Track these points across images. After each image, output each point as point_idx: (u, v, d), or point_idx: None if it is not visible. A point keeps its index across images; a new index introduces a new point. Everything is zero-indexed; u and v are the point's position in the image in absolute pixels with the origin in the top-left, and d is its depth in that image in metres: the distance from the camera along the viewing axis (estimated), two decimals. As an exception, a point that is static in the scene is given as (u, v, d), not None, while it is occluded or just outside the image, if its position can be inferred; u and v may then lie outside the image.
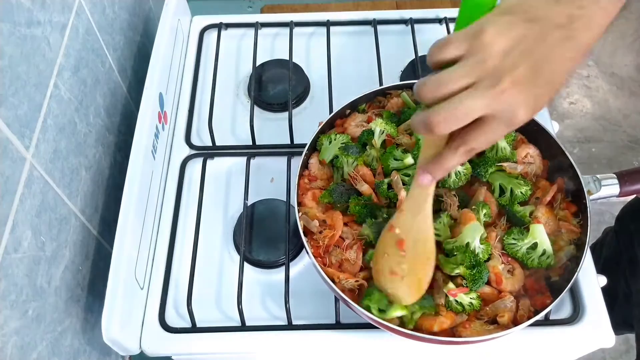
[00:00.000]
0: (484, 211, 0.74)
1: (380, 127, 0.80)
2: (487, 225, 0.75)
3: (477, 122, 0.52)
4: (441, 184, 0.77)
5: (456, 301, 0.69)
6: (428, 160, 0.58)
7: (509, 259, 0.73)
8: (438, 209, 0.76)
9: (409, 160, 0.77)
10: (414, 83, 0.86)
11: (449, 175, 0.77)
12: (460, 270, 0.70)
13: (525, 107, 0.51)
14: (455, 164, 0.57)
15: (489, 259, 0.72)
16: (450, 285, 0.69)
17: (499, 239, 0.74)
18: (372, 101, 0.88)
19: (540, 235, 0.72)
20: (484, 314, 0.71)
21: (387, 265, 0.68)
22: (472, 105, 0.50)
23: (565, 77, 0.53)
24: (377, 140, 0.80)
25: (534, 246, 0.73)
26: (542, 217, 0.75)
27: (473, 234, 0.70)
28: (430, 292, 0.72)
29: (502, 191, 0.77)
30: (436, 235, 0.72)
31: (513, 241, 0.73)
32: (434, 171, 0.58)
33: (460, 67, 0.51)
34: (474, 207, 0.74)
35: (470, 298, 0.69)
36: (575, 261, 0.72)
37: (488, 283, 0.71)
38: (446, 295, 0.70)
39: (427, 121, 0.52)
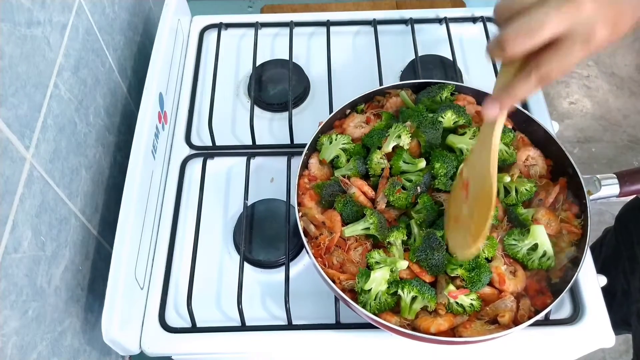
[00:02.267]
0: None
1: (405, 136, 0.79)
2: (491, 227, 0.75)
3: (550, 45, 0.49)
4: (445, 187, 0.77)
5: (457, 303, 0.69)
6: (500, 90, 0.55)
7: (511, 260, 0.73)
8: (441, 214, 0.76)
9: (422, 164, 0.77)
10: (413, 83, 0.86)
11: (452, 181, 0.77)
12: (459, 271, 0.70)
13: (605, 23, 0.48)
14: (527, 92, 0.53)
15: (491, 260, 0.72)
16: (451, 287, 0.69)
17: (500, 239, 0.74)
18: (371, 101, 0.88)
19: (540, 236, 0.72)
20: (485, 314, 0.71)
21: (453, 212, 0.66)
22: (545, 18, 0.47)
23: None
24: (388, 146, 0.80)
25: (535, 247, 0.73)
26: (543, 219, 0.75)
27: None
28: (433, 284, 0.72)
29: (507, 192, 0.77)
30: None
31: (514, 242, 0.73)
32: (503, 99, 0.54)
33: None
34: None
35: (471, 299, 0.69)
36: (575, 261, 0.72)
37: (491, 284, 0.71)
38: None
39: (500, 39, 0.49)
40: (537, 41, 0.49)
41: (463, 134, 0.81)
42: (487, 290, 0.71)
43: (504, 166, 0.80)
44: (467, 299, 0.69)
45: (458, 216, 0.66)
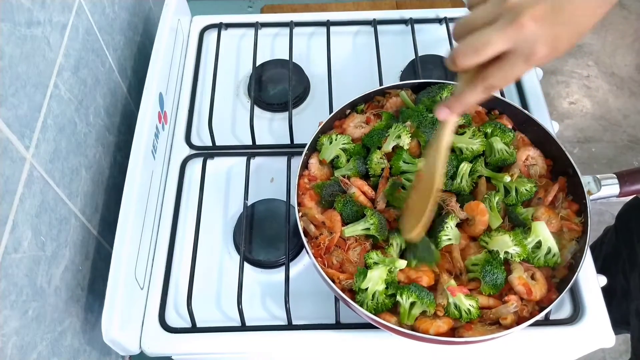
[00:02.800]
0: (496, 199, 0.75)
1: (405, 136, 0.80)
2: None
3: (496, 59, 0.55)
4: (445, 187, 0.77)
5: (455, 305, 0.69)
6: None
7: (526, 264, 0.73)
8: (440, 213, 0.76)
9: (422, 164, 0.77)
10: (412, 83, 0.87)
11: (459, 180, 0.77)
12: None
13: (544, 43, 0.53)
14: (473, 100, 0.59)
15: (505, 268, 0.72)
16: (452, 282, 0.69)
17: None
18: (371, 101, 0.88)
19: (543, 232, 0.72)
20: (487, 317, 0.70)
21: (409, 199, 0.73)
22: (489, 37, 0.53)
23: (590, 21, 0.55)
24: (389, 145, 0.80)
25: (539, 245, 0.73)
26: (543, 217, 0.75)
27: (503, 245, 0.72)
28: (433, 288, 0.72)
29: (507, 192, 0.77)
30: (448, 239, 0.73)
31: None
32: (452, 105, 0.62)
33: (483, 6, 0.55)
34: (485, 195, 0.76)
35: (470, 305, 0.69)
36: (577, 259, 0.72)
37: (516, 294, 0.70)
38: (447, 299, 0.70)
39: (452, 54, 0.56)
40: (482, 58, 0.55)
41: (462, 134, 0.81)
42: (490, 302, 0.71)
43: (504, 166, 0.80)
44: (466, 302, 0.69)
45: (409, 203, 0.74)
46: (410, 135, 0.80)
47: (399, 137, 0.79)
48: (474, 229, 0.75)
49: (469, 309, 0.69)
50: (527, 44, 0.53)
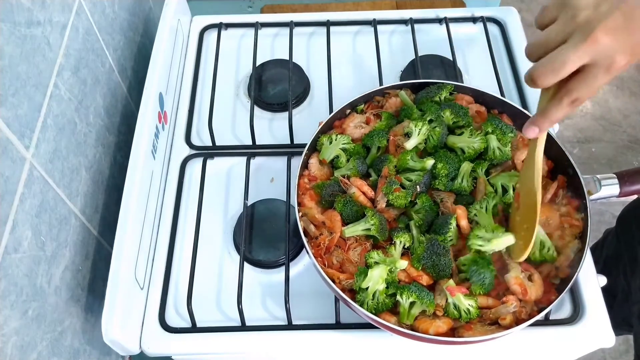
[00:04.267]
0: (493, 202, 0.75)
1: (418, 129, 0.80)
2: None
3: (578, 72, 0.55)
4: (445, 187, 0.77)
5: (454, 305, 0.69)
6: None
7: (525, 264, 0.72)
8: (437, 213, 0.77)
9: (430, 163, 0.78)
10: (412, 83, 0.87)
11: (459, 180, 0.78)
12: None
13: (623, 52, 0.53)
14: (560, 115, 0.60)
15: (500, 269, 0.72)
16: (451, 282, 0.69)
17: None
18: (371, 101, 0.88)
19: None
20: (486, 317, 0.70)
21: (512, 221, 0.73)
22: (566, 56, 0.54)
23: None
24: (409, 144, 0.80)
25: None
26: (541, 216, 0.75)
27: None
28: (431, 287, 0.72)
29: (504, 191, 0.77)
30: (451, 240, 0.73)
31: None
32: (540, 123, 0.62)
33: (554, 25, 0.56)
34: (484, 197, 0.76)
35: (469, 304, 0.69)
36: (577, 259, 0.72)
37: (513, 293, 0.70)
38: (446, 299, 0.70)
39: (530, 75, 0.57)
40: (561, 76, 0.56)
41: (461, 134, 0.81)
42: (490, 302, 0.71)
43: (498, 164, 0.80)
44: (465, 302, 0.69)
45: (513, 225, 0.73)
46: (424, 128, 0.80)
47: (424, 134, 0.80)
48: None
49: (468, 309, 0.69)
50: (606, 57, 0.53)
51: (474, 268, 0.70)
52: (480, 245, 0.71)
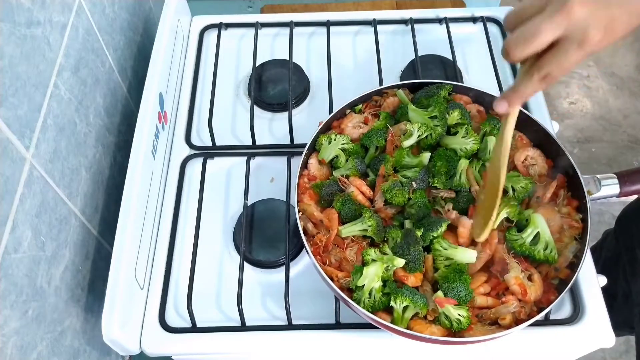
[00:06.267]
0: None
1: (417, 128, 0.80)
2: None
3: (550, 48, 0.54)
4: (444, 186, 0.77)
5: (445, 315, 0.69)
6: None
7: (526, 264, 0.72)
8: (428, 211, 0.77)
9: (426, 156, 0.78)
10: (412, 83, 0.87)
11: (457, 177, 0.78)
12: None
13: (597, 27, 0.52)
14: (530, 91, 0.58)
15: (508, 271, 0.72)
16: (439, 293, 0.69)
17: (502, 239, 0.74)
18: (369, 101, 0.88)
19: (540, 224, 0.73)
20: (486, 317, 0.70)
21: (478, 199, 0.73)
22: (538, 26, 0.53)
23: None
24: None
25: (536, 239, 0.73)
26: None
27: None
28: (424, 291, 0.72)
29: (504, 192, 0.77)
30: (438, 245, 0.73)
31: (516, 236, 0.73)
32: (510, 97, 0.60)
33: None
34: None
35: (459, 314, 0.68)
36: (575, 261, 0.72)
37: (512, 294, 0.70)
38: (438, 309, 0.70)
39: (504, 46, 0.56)
40: (535, 47, 0.54)
41: (455, 134, 0.81)
42: (489, 302, 0.71)
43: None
44: (454, 312, 0.68)
45: (478, 203, 0.73)
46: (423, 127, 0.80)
47: (420, 134, 0.80)
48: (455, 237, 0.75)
49: (458, 319, 0.68)
50: (579, 30, 0.52)
51: (445, 285, 0.70)
52: (442, 259, 0.72)
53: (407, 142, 0.80)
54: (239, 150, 0.94)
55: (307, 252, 0.73)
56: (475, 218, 0.73)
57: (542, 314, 0.69)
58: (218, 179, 0.92)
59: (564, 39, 0.53)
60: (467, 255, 0.71)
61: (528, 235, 0.72)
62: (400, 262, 0.71)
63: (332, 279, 0.71)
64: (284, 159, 0.91)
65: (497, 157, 0.67)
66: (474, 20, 1.08)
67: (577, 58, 0.54)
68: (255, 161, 0.92)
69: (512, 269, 0.71)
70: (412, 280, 0.71)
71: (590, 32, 0.52)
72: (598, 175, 0.81)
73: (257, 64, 1.01)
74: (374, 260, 0.71)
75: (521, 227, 0.74)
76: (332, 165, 0.83)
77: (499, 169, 0.66)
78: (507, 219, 0.76)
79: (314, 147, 0.84)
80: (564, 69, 0.55)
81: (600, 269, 0.82)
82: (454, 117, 0.81)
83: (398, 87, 0.88)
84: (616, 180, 0.80)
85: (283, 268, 0.80)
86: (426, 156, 0.78)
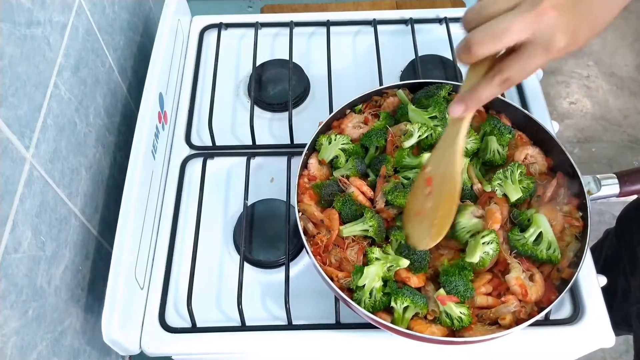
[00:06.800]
0: (518, 171, 0.75)
1: (418, 129, 0.80)
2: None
3: (513, 51, 0.52)
4: None
5: (446, 313, 0.69)
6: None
7: (527, 264, 0.72)
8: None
9: (426, 156, 0.78)
10: (412, 83, 0.87)
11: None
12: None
13: (564, 33, 0.51)
14: (490, 94, 0.56)
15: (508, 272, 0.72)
16: (441, 291, 0.69)
17: (504, 239, 0.74)
18: (369, 101, 0.88)
19: (543, 224, 0.72)
20: (486, 317, 0.70)
21: (415, 204, 0.70)
22: (509, 24, 0.50)
23: (609, 14, 0.53)
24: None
25: (539, 238, 0.72)
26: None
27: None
28: (426, 292, 0.72)
29: None
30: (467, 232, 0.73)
31: (518, 236, 0.73)
32: (467, 100, 0.58)
33: None
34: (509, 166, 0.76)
35: (460, 312, 0.68)
36: (576, 259, 0.72)
37: (513, 294, 0.70)
38: (439, 307, 0.70)
39: (467, 41, 0.52)
40: (501, 45, 0.52)
41: None
42: (490, 301, 0.71)
43: (491, 167, 0.81)
44: (456, 310, 0.68)
45: (420, 210, 0.69)
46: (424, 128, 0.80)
47: (421, 135, 0.80)
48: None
49: (460, 317, 0.68)
50: (547, 34, 0.51)
51: (444, 278, 0.70)
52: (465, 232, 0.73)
53: (408, 143, 0.80)
54: (239, 150, 0.94)
55: (307, 252, 0.73)
56: (416, 226, 0.71)
57: (542, 313, 0.69)
58: (218, 179, 0.92)
59: (529, 42, 0.51)
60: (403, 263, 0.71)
61: (531, 235, 0.72)
62: (405, 262, 0.71)
63: (332, 279, 0.71)
64: (284, 159, 0.91)
65: (450, 164, 0.64)
66: (474, 20, 1.08)
67: (540, 63, 0.53)
68: (255, 161, 0.92)
69: (513, 269, 0.71)
70: (415, 281, 0.71)
71: (557, 38, 0.51)
72: (598, 175, 0.81)
73: (257, 64, 1.01)
74: (377, 259, 0.71)
75: (523, 227, 0.74)
76: (332, 165, 0.83)
77: (455, 179, 0.64)
78: (511, 220, 0.76)
79: (314, 147, 0.84)
80: (526, 73, 0.54)
81: (600, 267, 0.82)
82: None
83: (398, 87, 0.88)
84: (616, 180, 0.80)
85: (283, 268, 0.80)
86: (427, 156, 0.78)
